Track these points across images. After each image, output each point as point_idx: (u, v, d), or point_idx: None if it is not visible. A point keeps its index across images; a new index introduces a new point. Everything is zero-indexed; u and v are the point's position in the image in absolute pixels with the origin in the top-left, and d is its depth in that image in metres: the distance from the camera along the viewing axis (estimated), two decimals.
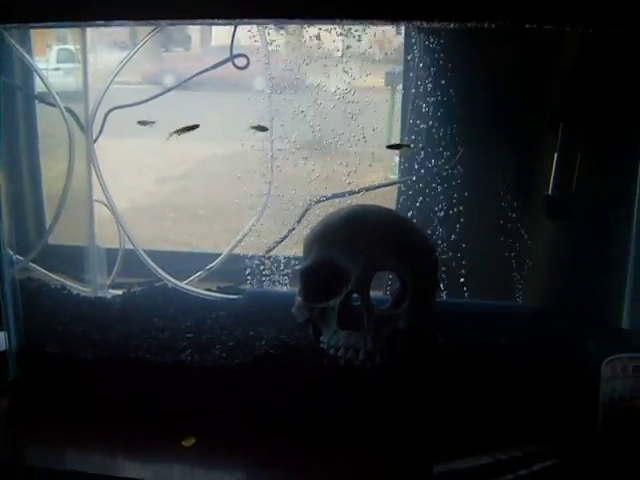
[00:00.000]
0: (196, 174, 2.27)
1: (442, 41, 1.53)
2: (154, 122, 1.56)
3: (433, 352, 1.36)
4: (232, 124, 1.66)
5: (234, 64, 1.56)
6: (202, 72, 1.59)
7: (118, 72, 1.59)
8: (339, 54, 1.55)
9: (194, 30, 1.97)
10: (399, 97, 1.66)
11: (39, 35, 1.76)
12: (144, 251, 1.68)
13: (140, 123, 1.56)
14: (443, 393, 1.28)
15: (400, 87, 1.65)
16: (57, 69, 1.76)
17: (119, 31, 1.70)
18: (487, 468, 1.18)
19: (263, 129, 1.56)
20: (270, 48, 1.57)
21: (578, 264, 1.53)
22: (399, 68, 1.64)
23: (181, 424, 1.30)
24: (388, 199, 1.67)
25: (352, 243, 1.34)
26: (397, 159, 1.70)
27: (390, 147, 1.58)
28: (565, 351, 1.40)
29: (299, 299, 1.41)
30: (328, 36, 1.52)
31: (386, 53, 1.60)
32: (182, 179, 2.22)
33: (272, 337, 1.40)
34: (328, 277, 1.37)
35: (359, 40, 1.53)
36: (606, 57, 1.42)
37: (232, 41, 1.54)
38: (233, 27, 1.54)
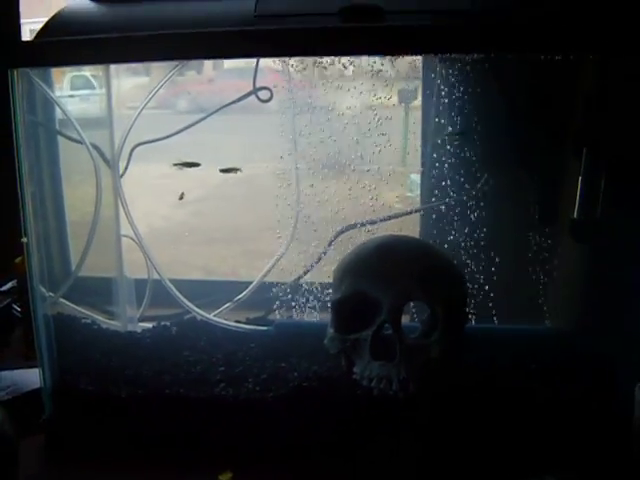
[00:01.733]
0: (212, 197, 2.27)
1: (463, 65, 1.54)
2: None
3: (464, 379, 1.36)
4: (248, 146, 1.66)
5: (257, 97, 1.57)
6: (226, 106, 1.59)
7: (144, 107, 1.60)
8: (351, 72, 1.55)
9: None
10: (413, 115, 1.66)
11: None
12: (171, 281, 1.69)
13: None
14: (474, 419, 1.28)
15: (414, 104, 1.66)
16: (71, 96, 1.76)
17: None
18: None
19: (194, 165, 1.60)
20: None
21: (607, 287, 1.53)
22: (412, 85, 1.65)
23: (217, 459, 1.30)
24: (409, 222, 1.68)
25: (383, 274, 1.35)
26: (413, 176, 1.71)
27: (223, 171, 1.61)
28: (597, 375, 1.39)
29: (331, 331, 1.42)
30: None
31: (398, 71, 1.60)
32: (198, 202, 2.23)
33: (304, 369, 1.41)
34: (360, 308, 1.37)
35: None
36: (629, 81, 1.42)
37: (255, 74, 1.55)
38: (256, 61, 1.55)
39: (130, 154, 1.64)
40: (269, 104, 1.61)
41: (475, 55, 1.44)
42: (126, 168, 1.64)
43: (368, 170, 1.59)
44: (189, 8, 1.34)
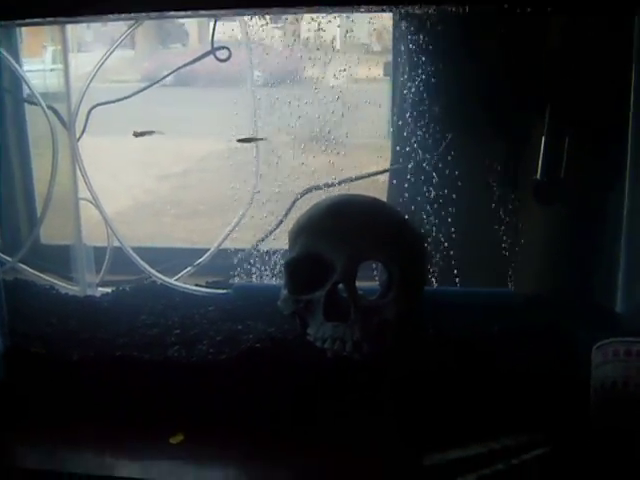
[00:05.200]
0: (195, 170, 2.27)
1: (427, 26, 1.52)
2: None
3: (422, 342, 1.35)
4: (227, 120, 1.64)
5: (215, 57, 1.54)
6: (183, 66, 1.58)
7: (98, 69, 1.58)
8: (337, 45, 1.54)
9: (192, 26, 1.96)
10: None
11: (33, 35, 1.75)
12: (133, 248, 1.67)
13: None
14: (433, 383, 1.26)
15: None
16: (53, 70, 1.74)
17: (116, 29, 1.67)
18: (478, 458, 1.16)
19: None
20: (266, 40, 1.57)
21: (570, 249, 1.52)
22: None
23: (169, 421, 1.29)
24: (380, 188, 1.66)
25: (337, 233, 1.32)
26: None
27: (241, 141, 1.61)
28: (558, 338, 1.38)
29: (284, 292, 1.40)
30: (326, 26, 1.51)
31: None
32: (181, 176, 2.23)
33: (259, 331, 1.39)
34: (313, 268, 1.34)
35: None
36: (594, 39, 1.40)
37: (213, 33, 1.53)
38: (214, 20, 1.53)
39: (87, 116, 1.61)
40: (256, 77, 1.60)
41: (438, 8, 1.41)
42: (83, 131, 1.62)
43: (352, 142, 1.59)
44: None
